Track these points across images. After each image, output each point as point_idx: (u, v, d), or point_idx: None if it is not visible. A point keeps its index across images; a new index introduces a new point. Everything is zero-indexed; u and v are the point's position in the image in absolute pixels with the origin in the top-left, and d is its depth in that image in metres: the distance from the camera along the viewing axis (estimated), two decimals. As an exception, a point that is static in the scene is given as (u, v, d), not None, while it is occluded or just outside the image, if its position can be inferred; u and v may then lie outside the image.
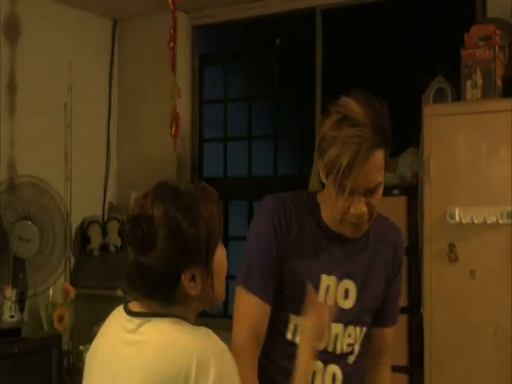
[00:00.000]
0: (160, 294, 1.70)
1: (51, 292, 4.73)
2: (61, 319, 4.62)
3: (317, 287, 2.05)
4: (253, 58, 5.45)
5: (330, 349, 2.10)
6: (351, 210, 1.98)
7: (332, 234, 2.09)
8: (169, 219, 1.65)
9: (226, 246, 5.32)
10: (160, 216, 1.65)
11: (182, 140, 5.34)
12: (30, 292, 4.57)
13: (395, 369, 3.92)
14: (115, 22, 5.61)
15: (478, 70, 3.83)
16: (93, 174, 5.36)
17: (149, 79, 5.45)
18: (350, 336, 2.13)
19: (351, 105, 1.95)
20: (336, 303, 2.08)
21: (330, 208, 2.05)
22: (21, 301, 4.43)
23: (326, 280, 2.08)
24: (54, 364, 4.28)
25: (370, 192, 1.98)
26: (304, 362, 1.94)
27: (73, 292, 4.76)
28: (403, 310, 3.95)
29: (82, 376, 4.64)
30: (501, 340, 3.64)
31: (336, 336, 2.10)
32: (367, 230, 2.10)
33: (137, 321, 1.71)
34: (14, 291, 4.29)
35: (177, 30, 4.20)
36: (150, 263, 1.66)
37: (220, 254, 1.74)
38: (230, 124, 5.47)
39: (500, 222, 3.67)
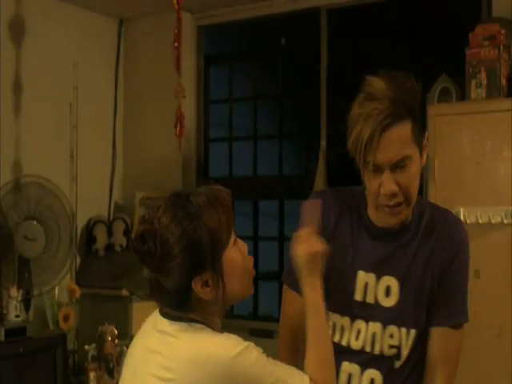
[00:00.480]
0: (175, 304, 1.73)
1: (57, 291, 4.74)
2: (66, 319, 4.64)
3: (353, 284, 2.00)
4: (258, 57, 5.45)
5: (367, 349, 2.01)
6: (381, 189, 1.88)
7: (376, 229, 2.00)
8: (166, 232, 1.67)
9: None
10: (166, 227, 1.68)
11: (187, 140, 5.35)
12: (36, 292, 4.58)
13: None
14: (121, 22, 5.62)
15: (482, 69, 3.83)
16: (98, 174, 5.37)
17: (154, 79, 5.46)
18: (392, 337, 2.00)
19: (374, 81, 1.93)
20: (376, 301, 1.99)
21: (367, 196, 1.98)
22: (26, 300, 4.45)
23: (364, 277, 2.01)
24: (59, 363, 4.29)
25: (398, 168, 1.87)
26: (308, 295, 1.88)
27: (78, 291, 4.77)
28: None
29: (87, 375, 4.64)
30: (505, 341, 3.63)
31: (374, 335, 2.00)
32: (416, 222, 2.01)
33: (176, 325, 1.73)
34: (20, 291, 4.30)
35: (181, 30, 4.20)
36: (161, 277, 1.70)
37: (232, 252, 1.74)
38: (236, 124, 5.47)
39: (505, 221, 3.66)
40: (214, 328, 1.74)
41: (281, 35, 5.18)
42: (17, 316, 4.22)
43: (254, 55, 5.48)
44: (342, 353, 2.00)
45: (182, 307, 1.72)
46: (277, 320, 5.12)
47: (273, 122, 5.34)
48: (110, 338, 4.56)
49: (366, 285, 2.00)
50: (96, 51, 5.42)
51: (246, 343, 1.67)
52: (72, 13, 5.21)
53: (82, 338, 4.82)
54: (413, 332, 2.00)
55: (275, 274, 5.28)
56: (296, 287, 1.96)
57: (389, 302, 2.00)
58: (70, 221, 4.68)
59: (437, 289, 2.00)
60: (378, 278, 2.00)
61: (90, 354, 4.59)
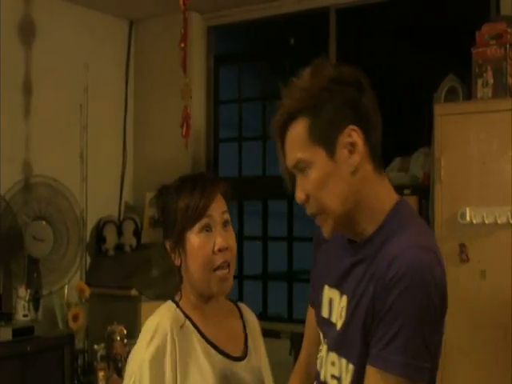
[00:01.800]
0: None
1: (66, 291, 4.77)
2: (75, 318, 4.66)
3: (321, 300, 1.79)
4: (267, 57, 5.45)
5: (321, 374, 1.79)
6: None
7: (346, 240, 1.74)
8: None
9: (241, 245, 5.34)
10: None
11: (196, 140, 5.36)
12: (45, 291, 4.60)
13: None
14: (131, 23, 5.64)
15: (489, 68, 3.80)
16: (109, 174, 5.40)
17: (165, 80, 5.46)
18: (333, 365, 1.73)
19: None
20: (336, 322, 1.73)
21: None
22: (35, 300, 4.47)
23: (328, 292, 1.77)
24: (67, 363, 4.31)
25: (299, 174, 1.64)
26: None
27: (87, 291, 4.79)
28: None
29: (96, 375, 4.66)
30: None
31: (321, 359, 1.79)
32: (373, 242, 1.66)
33: None
34: (28, 290, 4.32)
35: (187, 31, 4.20)
36: None
37: (194, 237, 1.97)
38: (245, 124, 5.47)
39: (511, 221, 3.64)
40: (185, 306, 2.00)
41: (290, 35, 5.17)
42: (25, 315, 4.24)
43: (263, 55, 5.47)
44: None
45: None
46: (286, 321, 5.15)
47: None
48: (118, 338, 4.57)
49: (331, 301, 1.75)
50: (106, 52, 5.44)
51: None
52: (82, 14, 5.23)
53: (91, 337, 4.84)
54: (351, 367, 1.66)
55: (284, 275, 5.28)
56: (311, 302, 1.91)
57: (339, 325, 1.70)
58: (79, 221, 4.70)
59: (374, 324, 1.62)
60: (341, 295, 1.72)
61: (99, 354, 4.61)
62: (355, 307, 1.64)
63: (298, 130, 1.61)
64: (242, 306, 2.21)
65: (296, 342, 4.71)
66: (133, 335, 4.56)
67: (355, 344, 1.64)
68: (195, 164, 5.33)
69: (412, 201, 4.03)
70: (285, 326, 4.93)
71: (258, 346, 2.15)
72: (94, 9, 5.29)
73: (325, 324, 1.78)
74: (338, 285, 1.73)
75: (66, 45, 5.11)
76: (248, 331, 2.12)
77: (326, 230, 1.67)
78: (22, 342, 4.04)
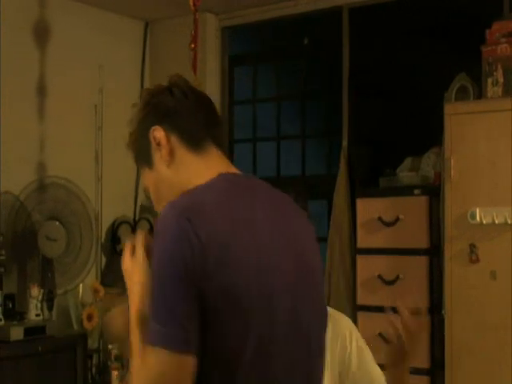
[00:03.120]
0: None
1: (81, 291, 4.80)
2: (90, 318, 4.68)
3: None
4: (281, 58, 5.44)
5: None
6: None
7: None
8: None
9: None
10: None
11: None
12: (60, 291, 4.64)
13: (416, 371, 3.92)
14: (146, 24, 5.66)
15: (499, 67, 3.76)
16: (124, 175, 5.39)
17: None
18: None
19: None
20: None
21: None
22: (49, 300, 4.51)
23: None
24: (79, 363, 4.33)
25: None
26: None
27: (102, 291, 4.82)
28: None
29: (110, 374, 4.69)
30: (521, 342, 3.57)
31: None
32: None
33: None
34: (41, 290, 4.36)
35: (198, 32, 4.20)
36: None
37: None
38: (261, 124, 5.47)
39: (521, 222, 3.60)
40: None
41: (304, 35, 5.16)
42: (37, 315, 4.28)
43: (278, 55, 5.46)
44: None
45: None
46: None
47: (298, 122, 5.33)
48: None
49: None
50: (121, 53, 5.46)
51: None
52: (97, 16, 5.26)
53: (105, 337, 4.86)
54: None
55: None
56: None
57: None
58: (92, 222, 4.73)
59: None
60: None
61: (113, 353, 4.64)
62: None
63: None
64: None
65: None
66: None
67: None
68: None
69: (422, 201, 4.01)
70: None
71: None
72: (109, 10, 5.31)
73: None
74: None
75: (80, 46, 5.14)
76: None
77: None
78: (33, 341, 4.07)
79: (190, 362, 1.43)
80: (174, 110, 1.71)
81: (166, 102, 1.73)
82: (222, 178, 1.65)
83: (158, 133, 1.69)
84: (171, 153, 1.69)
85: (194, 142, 1.70)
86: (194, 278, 1.45)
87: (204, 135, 1.71)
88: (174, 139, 1.70)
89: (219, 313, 1.46)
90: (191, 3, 4.21)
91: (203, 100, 1.77)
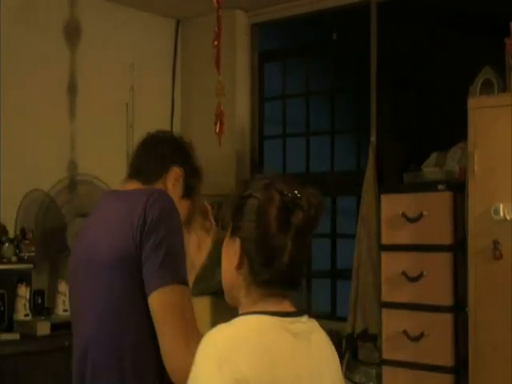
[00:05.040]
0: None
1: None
2: (120, 314, 4.73)
3: None
4: (310, 53, 5.43)
5: None
6: None
7: None
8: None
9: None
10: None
11: (241, 137, 5.38)
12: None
13: (441, 369, 3.88)
14: (178, 22, 5.69)
15: (523, 59, 3.68)
16: (155, 173, 5.45)
17: (211, 78, 5.48)
18: None
19: None
20: None
21: None
22: (79, 296, 4.56)
23: None
24: (107, 358, 4.37)
25: None
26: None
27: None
28: (448, 309, 3.89)
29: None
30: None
31: None
32: None
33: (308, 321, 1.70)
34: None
35: (221, 29, 4.20)
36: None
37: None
38: (291, 120, 5.46)
39: (544, 217, 3.52)
40: None
41: (332, 30, 5.13)
42: (65, 310, 4.34)
43: (307, 51, 5.45)
44: None
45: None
46: (329, 318, 5.11)
47: (327, 117, 5.31)
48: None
49: None
50: (153, 52, 5.51)
51: None
52: (128, 14, 5.31)
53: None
54: None
55: (327, 273, 5.24)
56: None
57: None
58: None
59: None
60: None
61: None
62: None
63: None
64: None
65: (334, 340, 4.66)
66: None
67: None
68: (240, 161, 5.35)
69: (446, 196, 3.95)
70: (326, 324, 4.89)
71: None
72: (140, 9, 5.35)
73: None
74: None
75: (111, 45, 5.20)
76: None
77: None
78: (60, 336, 4.11)
79: None
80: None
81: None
82: None
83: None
84: None
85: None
86: None
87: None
88: None
89: None
90: (215, 1, 4.22)
91: None
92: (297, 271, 1.65)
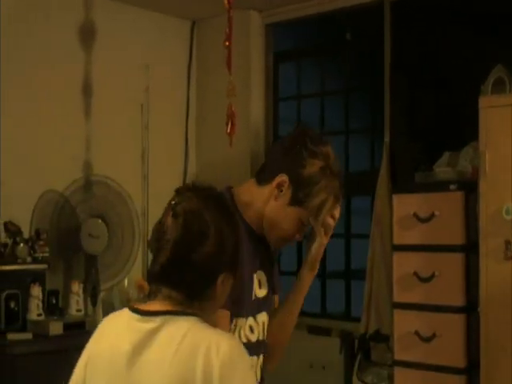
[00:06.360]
0: (195, 289, 1.76)
1: (126, 287, 4.87)
2: (135, 314, 4.74)
3: (251, 286, 2.16)
4: (325, 53, 5.42)
5: (261, 338, 2.19)
6: (297, 236, 2.20)
7: (254, 234, 2.20)
8: (217, 221, 1.77)
9: (301, 244, 5.29)
10: (210, 216, 1.76)
11: (256, 137, 5.39)
12: (104, 287, 4.73)
13: (452, 370, 3.85)
14: (193, 23, 5.70)
15: (535, 57, 3.65)
16: (170, 173, 5.46)
17: (226, 79, 5.49)
18: (265, 322, 2.23)
19: (332, 156, 2.15)
20: (255, 294, 2.18)
21: (272, 227, 2.18)
22: (93, 295, 4.60)
23: (256, 277, 2.20)
24: (120, 357, 4.39)
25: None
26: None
27: (147, 288, 4.86)
28: (460, 310, 3.86)
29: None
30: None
31: (263, 324, 2.21)
32: None
33: (158, 320, 1.71)
34: (81, 285, 4.45)
35: (232, 29, 4.20)
36: (198, 258, 1.73)
37: None
38: (307, 120, 5.45)
39: (556, 217, 3.48)
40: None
41: (346, 30, 5.12)
42: (78, 310, 4.37)
43: (321, 51, 5.44)
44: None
45: (199, 293, 1.76)
46: (343, 318, 5.09)
47: (342, 117, 5.29)
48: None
49: (260, 281, 2.21)
50: (168, 53, 5.52)
51: None
52: (143, 16, 5.33)
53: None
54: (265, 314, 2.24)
55: (342, 273, 5.22)
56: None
57: (262, 293, 2.20)
58: (133, 220, 4.79)
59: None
60: (261, 272, 2.22)
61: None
62: (272, 267, 2.27)
63: None
64: None
65: (347, 340, 4.66)
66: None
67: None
68: (254, 162, 5.35)
69: (458, 196, 3.92)
70: (341, 324, 4.90)
71: None
72: (155, 10, 5.37)
73: (250, 304, 2.15)
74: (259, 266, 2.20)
75: (126, 46, 5.22)
76: None
77: None
78: (73, 336, 4.14)
79: None
80: None
81: None
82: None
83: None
84: None
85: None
86: None
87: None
88: None
89: None
90: (226, 1, 4.22)
91: None
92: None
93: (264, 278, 2.21)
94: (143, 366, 1.69)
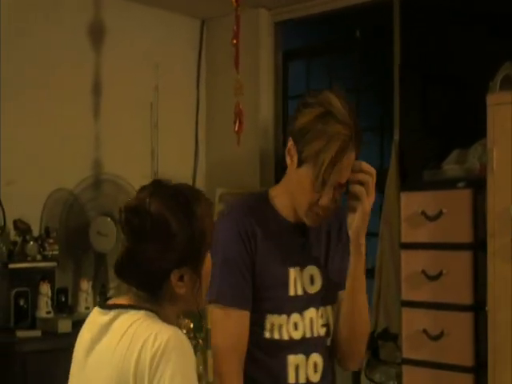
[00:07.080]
0: (148, 286, 1.78)
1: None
2: (143, 312, 4.76)
3: (287, 281, 2.13)
4: (334, 51, 5.41)
5: (308, 335, 2.13)
6: (321, 201, 2.03)
7: (291, 225, 2.15)
8: (161, 217, 1.74)
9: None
10: (155, 212, 1.74)
11: (265, 136, 5.39)
12: (113, 285, 4.74)
13: (460, 369, 3.84)
14: (203, 22, 5.71)
15: (543, 54, 3.63)
16: (180, 172, 5.47)
17: (235, 77, 5.50)
18: (322, 317, 2.16)
19: (334, 101, 1.99)
20: (305, 290, 2.14)
21: (296, 198, 2.09)
22: (102, 293, 4.61)
23: (293, 272, 2.14)
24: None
25: (340, 188, 2.05)
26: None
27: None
28: (468, 308, 3.85)
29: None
30: None
31: (311, 321, 2.14)
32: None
33: (112, 313, 1.78)
34: (90, 283, 4.47)
35: (239, 27, 4.21)
36: (144, 254, 1.74)
37: (208, 262, 1.84)
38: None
39: None
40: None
41: (355, 28, 5.11)
42: (87, 308, 4.39)
43: (330, 49, 5.43)
44: (286, 348, 2.10)
45: (153, 291, 1.77)
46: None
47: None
48: (185, 332, 4.63)
49: (295, 279, 2.14)
50: (177, 52, 5.53)
51: None
52: (153, 15, 5.34)
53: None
54: (332, 306, 2.18)
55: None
56: (246, 305, 2.08)
57: (314, 289, 2.15)
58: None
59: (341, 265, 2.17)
60: (302, 268, 2.15)
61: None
62: (329, 263, 2.18)
63: (353, 158, 2.05)
64: None
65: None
66: (199, 329, 4.62)
67: (334, 289, 2.18)
68: (263, 160, 5.35)
69: (466, 194, 3.90)
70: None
71: None
72: (164, 9, 5.38)
73: (292, 301, 2.11)
74: (298, 262, 2.14)
75: (136, 45, 5.23)
76: None
77: (323, 220, 2.13)
78: (81, 333, 4.15)
79: None
80: None
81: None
82: None
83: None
84: None
85: None
86: None
87: None
88: None
89: None
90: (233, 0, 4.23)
91: None
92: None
93: (318, 273, 2.16)
94: (96, 355, 1.78)
